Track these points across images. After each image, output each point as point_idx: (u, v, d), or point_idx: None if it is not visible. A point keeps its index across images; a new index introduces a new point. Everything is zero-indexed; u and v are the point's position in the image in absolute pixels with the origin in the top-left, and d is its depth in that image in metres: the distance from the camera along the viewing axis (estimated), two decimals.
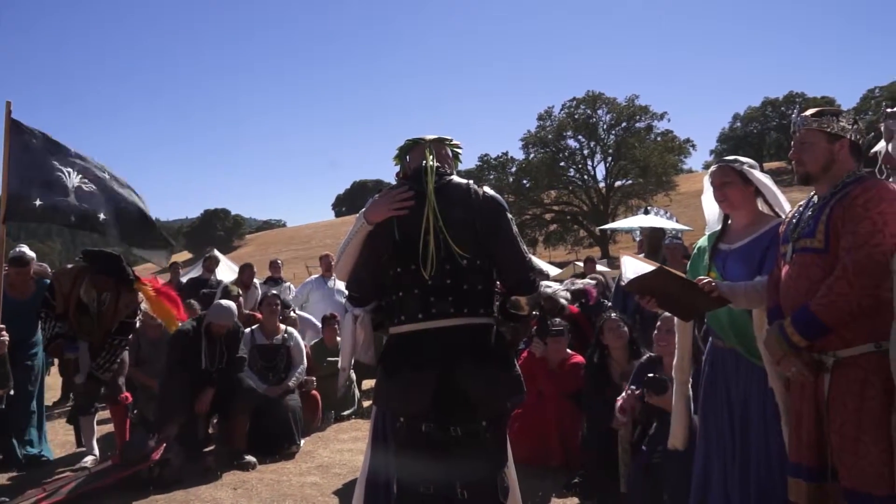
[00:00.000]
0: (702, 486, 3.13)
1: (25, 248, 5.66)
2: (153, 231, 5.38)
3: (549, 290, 6.02)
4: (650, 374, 3.89)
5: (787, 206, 3.01)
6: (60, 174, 5.18)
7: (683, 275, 3.00)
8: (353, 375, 7.21)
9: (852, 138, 2.57)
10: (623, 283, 3.14)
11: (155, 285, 5.47)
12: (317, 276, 9.57)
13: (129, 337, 5.69)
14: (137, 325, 5.75)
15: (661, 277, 2.87)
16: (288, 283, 9.84)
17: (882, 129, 2.99)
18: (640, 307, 3.61)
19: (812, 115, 2.60)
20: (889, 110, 2.91)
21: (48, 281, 5.62)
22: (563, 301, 5.95)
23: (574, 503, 4.42)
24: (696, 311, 3.05)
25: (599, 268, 11.84)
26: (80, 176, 5.16)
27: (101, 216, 5.06)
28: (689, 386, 3.30)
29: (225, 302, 5.78)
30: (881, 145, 3.11)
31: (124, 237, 5.21)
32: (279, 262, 10.37)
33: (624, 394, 4.12)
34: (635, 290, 3.04)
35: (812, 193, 2.68)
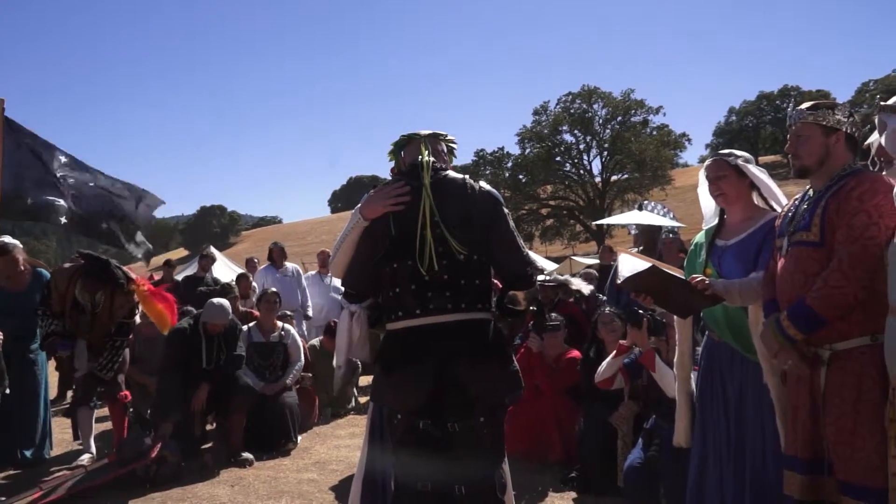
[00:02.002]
0: (698, 478, 3.14)
1: (6, 238, 5.51)
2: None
3: (561, 278, 6.39)
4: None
5: (783, 199, 3.01)
6: (53, 175, 5.15)
7: (677, 273, 3.00)
8: (360, 368, 7.21)
9: (848, 131, 2.57)
10: (619, 281, 3.14)
11: (149, 287, 5.44)
12: (313, 272, 9.57)
13: (129, 337, 5.67)
14: (137, 322, 5.73)
15: (655, 276, 2.87)
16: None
17: (876, 121, 2.97)
18: (633, 301, 3.62)
19: (808, 109, 2.60)
20: (883, 103, 2.90)
21: (46, 273, 5.58)
22: (580, 287, 6.27)
23: (572, 497, 4.42)
24: (691, 309, 3.06)
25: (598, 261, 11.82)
26: (72, 179, 5.14)
27: (100, 222, 5.06)
28: (692, 382, 3.30)
29: (217, 300, 5.73)
30: (874, 137, 3.10)
31: (119, 239, 5.21)
32: (255, 260, 10.44)
33: (620, 408, 4.32)
34: (630, 288, 3.04)
35: (808, 187, 2.68)
